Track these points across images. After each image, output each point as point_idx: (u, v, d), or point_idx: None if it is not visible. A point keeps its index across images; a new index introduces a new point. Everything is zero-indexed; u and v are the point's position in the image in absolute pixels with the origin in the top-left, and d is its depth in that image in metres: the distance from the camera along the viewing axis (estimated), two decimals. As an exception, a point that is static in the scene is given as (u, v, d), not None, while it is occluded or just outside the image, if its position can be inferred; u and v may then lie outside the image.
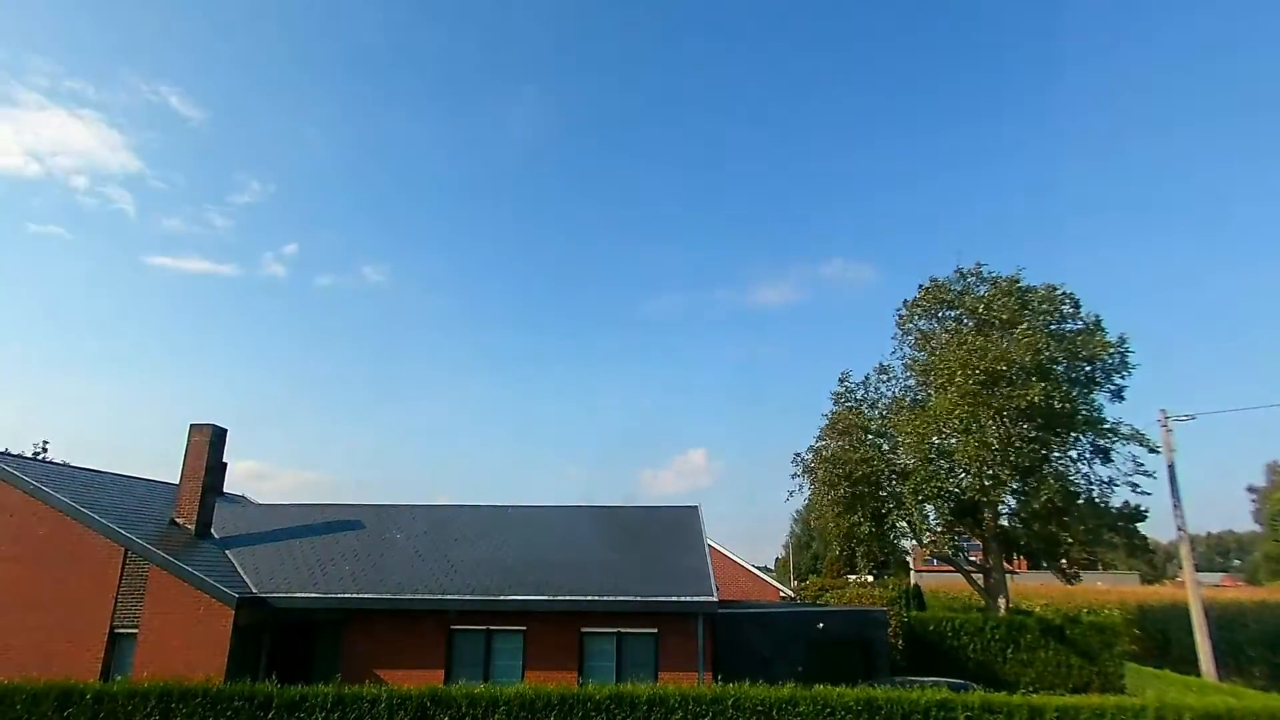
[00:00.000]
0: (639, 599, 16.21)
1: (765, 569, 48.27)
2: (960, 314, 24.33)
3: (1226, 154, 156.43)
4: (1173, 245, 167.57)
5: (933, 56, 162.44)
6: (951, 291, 24.67)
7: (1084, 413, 21.88)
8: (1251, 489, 74.44)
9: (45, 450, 33.73)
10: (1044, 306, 22.82)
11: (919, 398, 24.46)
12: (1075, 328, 22.84)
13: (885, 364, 26.20)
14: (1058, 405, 20.67)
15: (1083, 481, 22.43)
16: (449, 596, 16.30)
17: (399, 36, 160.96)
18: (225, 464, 19.51)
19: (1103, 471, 22.66)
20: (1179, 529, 23.00)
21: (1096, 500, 22.37)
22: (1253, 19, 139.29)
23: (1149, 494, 22.48)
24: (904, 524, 24.47)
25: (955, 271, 24.94)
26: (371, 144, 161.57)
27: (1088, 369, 22.42)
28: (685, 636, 16.13)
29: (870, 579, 39.15)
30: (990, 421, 21.00)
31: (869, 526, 24.08)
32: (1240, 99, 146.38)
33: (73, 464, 20.48)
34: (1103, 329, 22.65)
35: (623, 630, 16.33)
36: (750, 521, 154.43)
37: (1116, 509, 22.51)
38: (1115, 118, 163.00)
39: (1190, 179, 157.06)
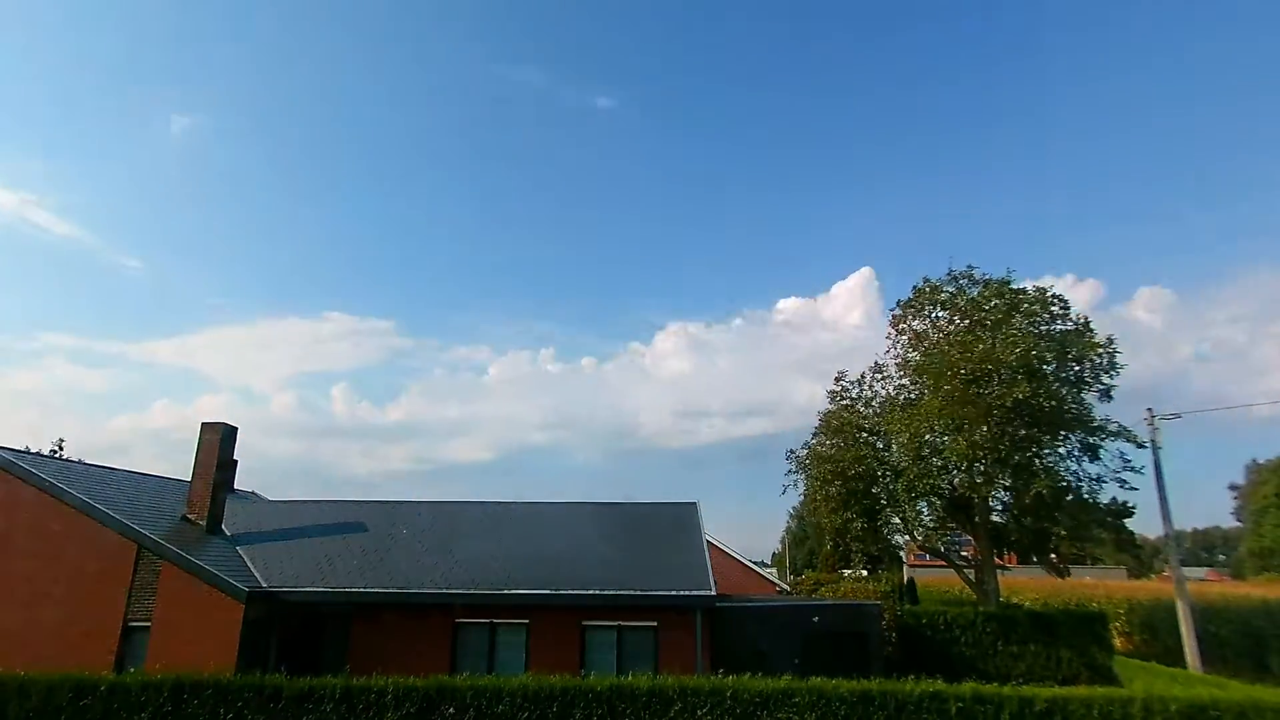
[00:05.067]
0: (639, 593, 16.60)
1: (762, 564, 48.65)
2: (952, 314, 24.70)
3: (1223, 150, 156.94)
4: (1166, 245, 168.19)
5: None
6: (944, 292, 25.02)
7: (1073, 411, 22.27)
8: (1233, 487, 75.32)
9: (61, 448, 34.15)
10: (1034, 307, 23.18)
11: (912, 397, 24.80)
12: (1064, 328, 23.21)
13: (880, 363, 26.60)
14: (1046, 404, 21.07)
15: (1071, 478, 22.81)
16: (454, 591, 16.67)
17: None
18: (236, 461, 19.83)
19: (1091, 469, 23.07)
20: (1165, 525, 23.50)
21: (1085, 496, 22.76)
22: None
23: (1137, 489, 22.95)
24: (897, 520, 24.88)
25: (948, 273, 25.31)
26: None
27: (1076, 369, 22.77)
28: (684, 630, 16.52)
29: (864, 574, 39.60)
30: (981, 420, 21.37)
31: (862, 523, 24.50)
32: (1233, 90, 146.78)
33: (86, 461, 20.81)
34: (1091, 329, 23.02)
35: (623, 624, 16.71)
36: (748, 516, 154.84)
37: (1104, 505, 22.87)
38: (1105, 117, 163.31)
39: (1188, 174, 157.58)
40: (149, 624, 15.56)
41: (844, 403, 26.57)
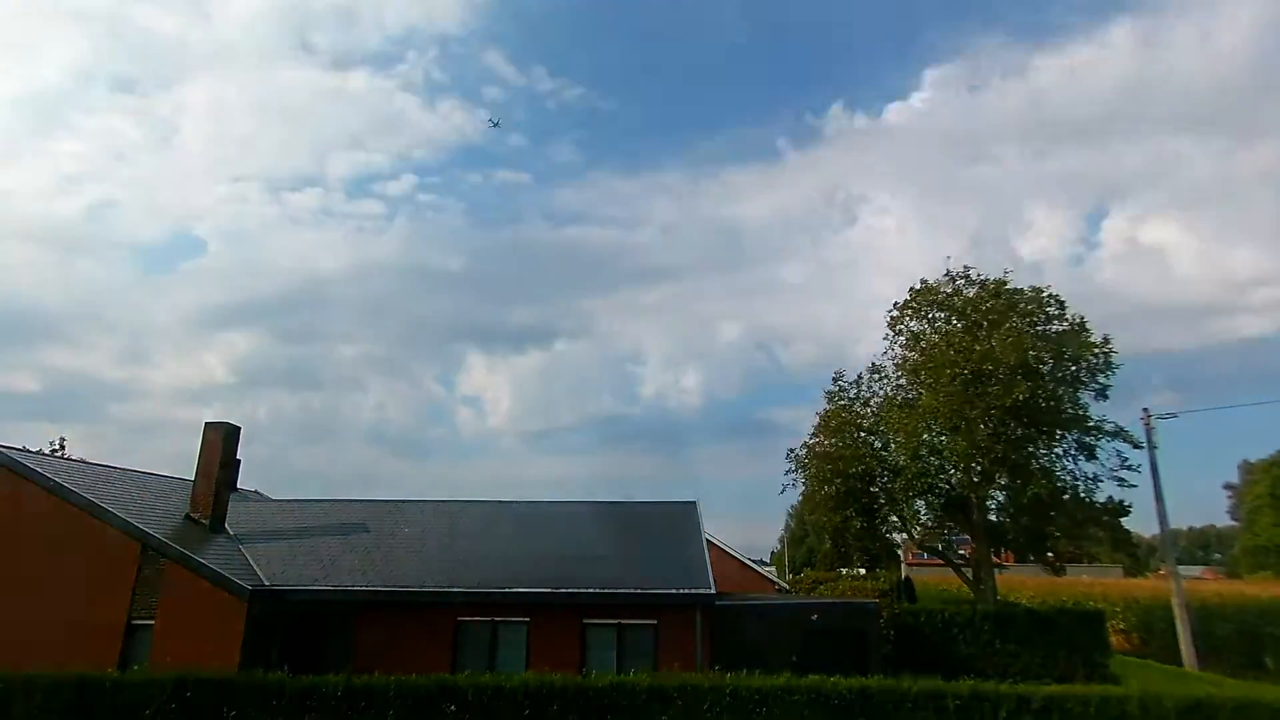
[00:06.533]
0: (639, 591, 16.73)
1: (761, 562, 48.78)
2: (949, 315, 24.84)
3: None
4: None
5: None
6: (941, 293, 25.17)
7: (1069, 411, 22.42)
8: (1228, 486, 75.83)
9: (62, 447, 34.32)
10: (1030, 308, 23.33)
11: (910, 397, 24.92)
12: (1061, 329, 23.35)
13: (877, 363, 26.73)
14: (1043, 404, 21.21)
15: (1068, 478, 22.95)
16: (456, 589, 16.78)
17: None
18: (239, 460, 19.94)
19: (1088, 468, 23.20)
20: (1162, 525, 23.67)
21: (1082, 495, 22.90)
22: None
23: (1135, 486, 23.11)
24: (895, 519, 25.02)
25: (945, 274, 25.46)
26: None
27: (1073, 368, 22.88)
28: (684, 627, 16.61)
29: (862, 572, 39.70)
30: (978, 420, 21.51)
31: (860, 521, 24.63)
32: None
33: (89, 460, 20.94)
34: (1088, 330, 23.15)
35: (623, 622, 16.81)
36: (748, 515, 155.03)
37: (1101, 504, 23.01)
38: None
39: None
40: (152, 622, 15.64)
41: (842, 402, 26.70)
